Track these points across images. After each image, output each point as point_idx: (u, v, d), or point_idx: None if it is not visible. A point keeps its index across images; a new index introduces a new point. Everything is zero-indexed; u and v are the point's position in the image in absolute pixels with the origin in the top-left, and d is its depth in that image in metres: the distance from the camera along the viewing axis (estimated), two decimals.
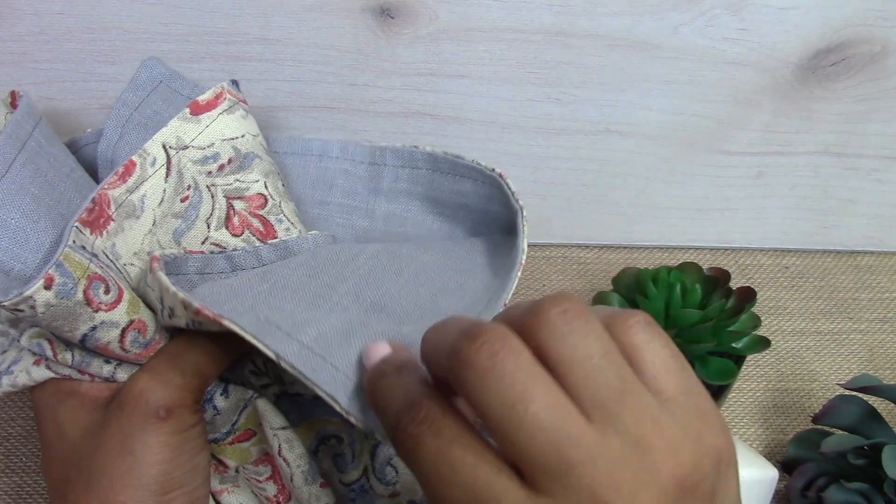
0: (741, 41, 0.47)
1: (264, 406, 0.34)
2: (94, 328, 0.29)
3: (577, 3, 0.45)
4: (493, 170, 0.36)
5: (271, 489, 0.36)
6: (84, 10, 0.44)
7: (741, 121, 0.51)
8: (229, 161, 0.36)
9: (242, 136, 0.36)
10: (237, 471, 0.37)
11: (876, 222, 0.57)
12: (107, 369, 0.32)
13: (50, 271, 0.27)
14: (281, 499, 0.36)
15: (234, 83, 0.38)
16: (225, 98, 0.36)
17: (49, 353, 0.31)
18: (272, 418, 0.34)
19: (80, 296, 0.28)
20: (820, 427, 0.47)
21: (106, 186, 0.32)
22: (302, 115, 0.50)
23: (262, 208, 0.36)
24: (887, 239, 0.58)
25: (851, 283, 0.58)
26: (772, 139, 0.52)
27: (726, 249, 0.58)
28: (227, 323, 0.28)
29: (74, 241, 0.29)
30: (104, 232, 0.32)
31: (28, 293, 0.27)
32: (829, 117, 0.51)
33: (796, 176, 0.54)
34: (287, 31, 0.46)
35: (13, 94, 0.35)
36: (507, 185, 0.36)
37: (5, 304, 0.27)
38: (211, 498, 0.36)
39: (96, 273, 0.29)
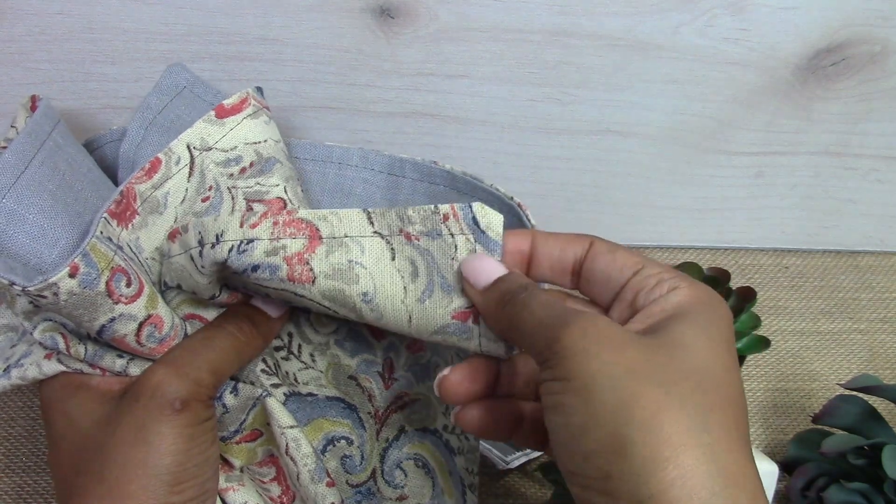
0: (741, 41, 0.47)
1: (273, 404, 0.34)
2: (112, 320, 0.30)
3: (577, 3, 0.45)
4: (512, 198, 0.36)
5: (275, 490, 0.37)
6: (84, 10, 0.44)
7: (741, 121, 0.51)
8: (251, 164, 0.36)
9: (265, 140, 0.37)
10: (242, 470, 0.37)
11: (876, 222, 0.57)
12: (119, 363, 0.32)
13: (76, 260, 0.28)
14: (285, 499, 0.36)
15: (259, 90, 0.38)
16: (250, 103, 0.37)
17: (62, 346, 0.31)
18: (280, 417, 0.34)
19: (102, 286, 0.29)
20: (820, 427, 0.47)
21: (133, 181, 0.33)
22: (302, 115, 0.50)
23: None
24: (887, 239, 0.58)
25: (851, 283, 0.58)
26: (772, 139, 0.52)
27: (726, 249, 0.58)
28: (304, 213, 0.30)
29: (102, 232, 0.30)
30: (130, 225, 0.33)
31: (53, 280, 0.27)
32: (829, 117, 0.51)
33: (796, 176, 0.54)
34: (287, 31, 0.46)
35: (33, 99, 0.35)
36: (527, 216, 0.36)
37: (30, 289, 0.27)
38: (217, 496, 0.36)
39: (119, 265, 0.30)
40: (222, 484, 0.36)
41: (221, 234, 0.30)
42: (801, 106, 0.50)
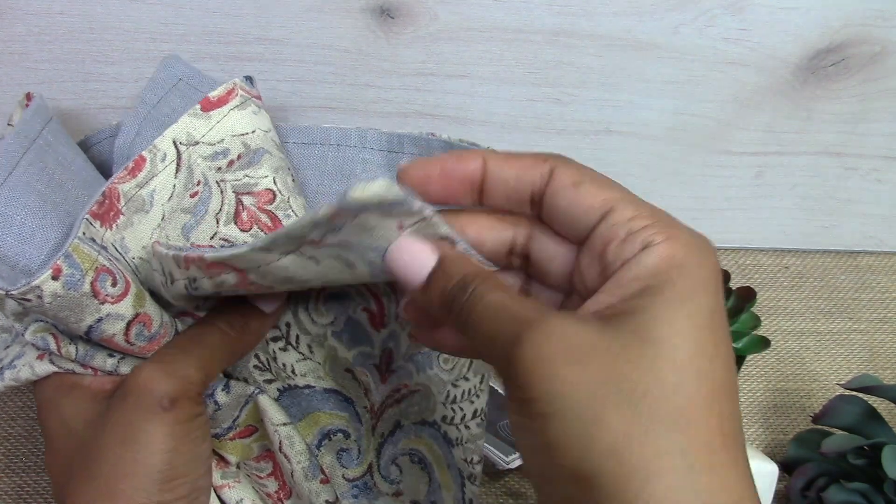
0: (741, 41, 0.47)
1: (266, 402, 0.34)
2: (99, 320, 0.30)
3: (577, 3, 0.45)
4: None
5: (272, 485, 0.37)
6: (84, 10, 0.44)
7: (741, 121, 0.51)
8: (239, 157, 0.36)
9: (253, 131, 0.37)
10: (238, 466, 0.37)
11: (876, 222, 0.57)
12: (110, 363, 0.32)
13: (58, 262, 0.28)
14: (282, 495, 0.36)
15: (249, 79, 0.38)
16: (237, 94, 0.37)
17: (53, 346, 0.31)
18: (273, 414, 0.34)
19: (87, 287, 0.29)
20: (820, 427, 0.47)
21: (116, 181, 0.33)
22: (302, 115, 0.50)
23: (271, 203, 0.36)
24: (887, 239, 0.58)
25: (851, 283, 0.58)
26: (772, 139, 0.52)
27: (726, 249, 0.58)
28: (210, 256, 0.28)
29: (84, 233, 0.30)
30: (114, 225, 0.32)
31: (36, 283, 0.27)
32: (829, 117, 0.51)
33: (796, 176, 0.54)
34: (287, 31, 0.46)
35: (28, 96, 0.35)
36: None
37: (13, 293, 0.27)
38: (213, 493, 0.36)
39: (104, 265, 0.30)
40: (218, 481, 0.36)
41: (171, 274, 0.30)
42: (801, 106, 0.50)
